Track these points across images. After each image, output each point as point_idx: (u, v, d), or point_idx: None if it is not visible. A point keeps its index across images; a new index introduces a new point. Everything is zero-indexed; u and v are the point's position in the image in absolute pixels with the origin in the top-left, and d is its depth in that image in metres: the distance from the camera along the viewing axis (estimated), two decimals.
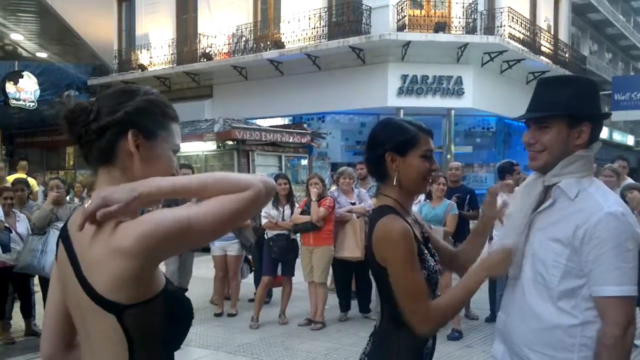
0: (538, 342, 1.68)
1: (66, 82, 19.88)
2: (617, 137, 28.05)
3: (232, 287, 6.81)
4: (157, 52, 18.92)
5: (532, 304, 1.70)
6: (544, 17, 19.51)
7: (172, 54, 18.62)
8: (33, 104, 18.85)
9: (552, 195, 1.71)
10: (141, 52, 19.57)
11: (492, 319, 6.24)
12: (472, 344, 5.48)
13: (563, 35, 21.09)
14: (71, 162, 22.23)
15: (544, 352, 1.66)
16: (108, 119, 1.21)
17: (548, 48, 18.71)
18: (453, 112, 15.59)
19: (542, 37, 18.34)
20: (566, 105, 1.70)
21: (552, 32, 19.84)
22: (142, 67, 19.18)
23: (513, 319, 1.77)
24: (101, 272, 1.15)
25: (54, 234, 5.33)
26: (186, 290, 6.90)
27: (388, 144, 1.80)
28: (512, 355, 1.77)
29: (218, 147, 12.46)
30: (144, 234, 1.10)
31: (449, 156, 15.46)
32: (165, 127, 1.28)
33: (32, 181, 8.76)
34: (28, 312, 5.84)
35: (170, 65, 18.53)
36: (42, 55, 20.37)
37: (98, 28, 19.73)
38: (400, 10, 14.82)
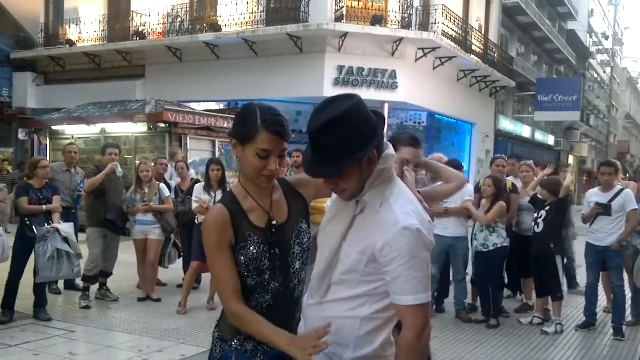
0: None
1: None
2: (539, 136, 29.40)
3: (149, 271, 6.67)
4: (87, 28, 18.12)
5: (329, 309, 1.80)
6: (476, 16, 20.16)
7: (102, 31, 17.88)
8: None
9: (359, 207, 1.78)
10: (70, 27, 18.69)
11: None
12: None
13: (493, 36, 21.88)
14: None
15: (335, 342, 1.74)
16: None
17: (479, 47, 19.37)
18: (387, 105, 15.88)
19: (473, 36, 18.96)
20: (346, 152, 1.68)
21: (482, 32, 20.55)
22: (71, 43, 18.33)
23: (311, 325, 1.83)
24: None
25: None
26: (111, 274, 6.75)
27: (233, 130, 1.81)
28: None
29: (149, 129, 12.13)
30: None
31: None
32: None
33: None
34: None
35: (101, 43, 17.82)
36: None
37: None
38: (338, 1, 14.92)
